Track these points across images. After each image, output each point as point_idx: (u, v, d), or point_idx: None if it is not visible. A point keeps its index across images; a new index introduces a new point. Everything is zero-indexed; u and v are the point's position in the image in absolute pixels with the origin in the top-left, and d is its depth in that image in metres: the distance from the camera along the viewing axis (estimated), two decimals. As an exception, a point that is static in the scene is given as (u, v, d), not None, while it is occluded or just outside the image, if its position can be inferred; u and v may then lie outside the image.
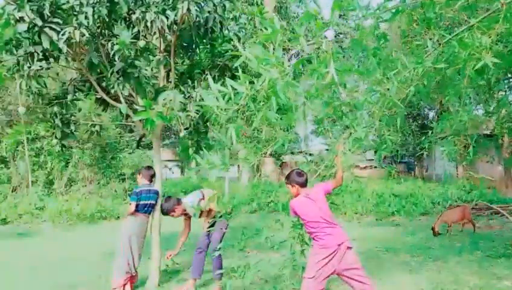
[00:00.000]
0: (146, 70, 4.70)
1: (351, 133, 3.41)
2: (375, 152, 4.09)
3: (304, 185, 3.64)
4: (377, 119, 3.35)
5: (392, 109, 3.36)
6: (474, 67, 2.90)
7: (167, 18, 4.33)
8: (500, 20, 2.74)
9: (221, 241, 4.54)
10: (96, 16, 4.02)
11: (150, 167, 5.08)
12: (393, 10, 2.98)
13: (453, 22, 3.14)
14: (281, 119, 2.91)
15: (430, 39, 3.09)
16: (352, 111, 3.37)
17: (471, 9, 2.90)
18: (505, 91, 8.52)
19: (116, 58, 4.27)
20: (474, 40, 2.80)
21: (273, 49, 2.71)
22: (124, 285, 4.57)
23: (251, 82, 2.63)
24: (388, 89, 3.10)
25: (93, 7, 3.92)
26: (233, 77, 4.94)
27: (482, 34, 2.81)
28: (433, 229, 7.83)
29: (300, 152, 23.63)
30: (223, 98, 2.56)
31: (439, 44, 3.15)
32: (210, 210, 4.63)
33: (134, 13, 4.32)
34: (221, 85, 2.59)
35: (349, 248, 3.41)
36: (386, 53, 3.29)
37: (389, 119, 3.52)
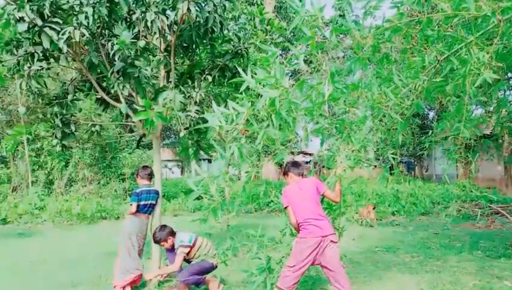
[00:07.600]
0: (146, 70, 4.69)
1: (352, 151, 3.47)
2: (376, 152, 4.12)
3: (298, 174, 3.78)
4: (375, 134, 3.40)
5: (391, 124, 3.41)
6: (474, 83, 2.91)
7: (167, 18, 4.33)
8: (497, 35, 2.76)
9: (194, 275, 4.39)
10: (96, 16, 4.02)
11: (146, 167, 5.04)
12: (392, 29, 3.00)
13: (451, 39, 3.16)
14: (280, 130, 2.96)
15: (428, 56, 3.13)
16: (351, 126, 3.42)
17: (469, 27, 2.92)
18: (505, 91, 8.52)
19: (116, 58, 4.27)
20: (472, 56, 2.81)
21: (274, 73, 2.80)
22: (124, 287, 4.56)
23: (252, 103, 2.72)
24: (388, 106, 3.15)
25: (93, 7, 3.92)
26: (233, 78, 4.94)
27: (480, 50, 2.82)
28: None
29: (300, 152, 23.63)
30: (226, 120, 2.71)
31: (438, 60, 3.17)
32: (189, 252, 4.52)
33: (134, 13, 4.32)
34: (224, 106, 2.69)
35: (333, 241, 3.44)
36: (386, 71, 3.34)
37: (388, 134, 3.57)
